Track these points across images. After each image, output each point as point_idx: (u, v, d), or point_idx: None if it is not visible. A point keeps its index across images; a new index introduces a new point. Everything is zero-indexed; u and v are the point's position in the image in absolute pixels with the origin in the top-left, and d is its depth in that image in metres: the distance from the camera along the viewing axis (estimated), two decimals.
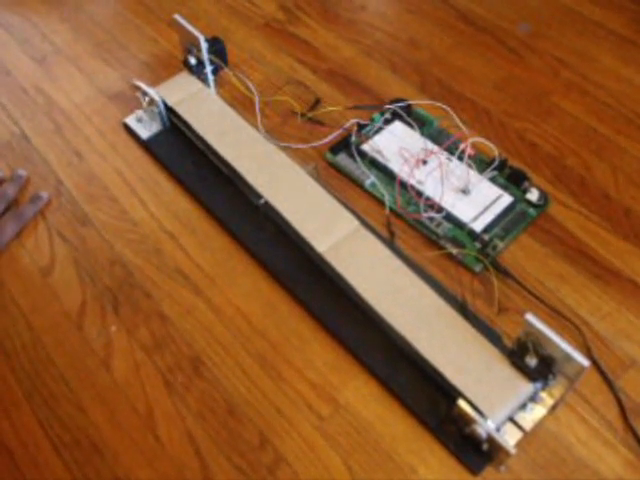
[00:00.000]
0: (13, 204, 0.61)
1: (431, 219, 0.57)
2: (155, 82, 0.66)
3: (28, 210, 0.60)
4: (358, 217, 0.55)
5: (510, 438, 0.44)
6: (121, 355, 0.51)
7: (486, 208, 0.57)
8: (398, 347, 0.48)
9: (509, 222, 0.57)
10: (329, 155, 0.63)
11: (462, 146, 0.60)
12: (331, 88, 0.70)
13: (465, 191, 0.58)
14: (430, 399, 0.47)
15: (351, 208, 0.56)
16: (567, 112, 0.67)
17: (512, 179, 0.59)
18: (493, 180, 0.59)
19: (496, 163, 0.60)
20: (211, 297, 0.54)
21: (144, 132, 0.65)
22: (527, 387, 0.44)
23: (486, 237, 0.55)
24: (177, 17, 0.64)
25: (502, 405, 0.43)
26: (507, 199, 0.58)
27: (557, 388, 0.44)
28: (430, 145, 0.61)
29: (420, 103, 0.67)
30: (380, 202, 0.59)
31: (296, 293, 0.53)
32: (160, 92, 0.64)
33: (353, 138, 0.63)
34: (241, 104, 0.67)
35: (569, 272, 0.54)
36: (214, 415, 0.48)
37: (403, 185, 0.59)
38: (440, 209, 0.57)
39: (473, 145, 0.60)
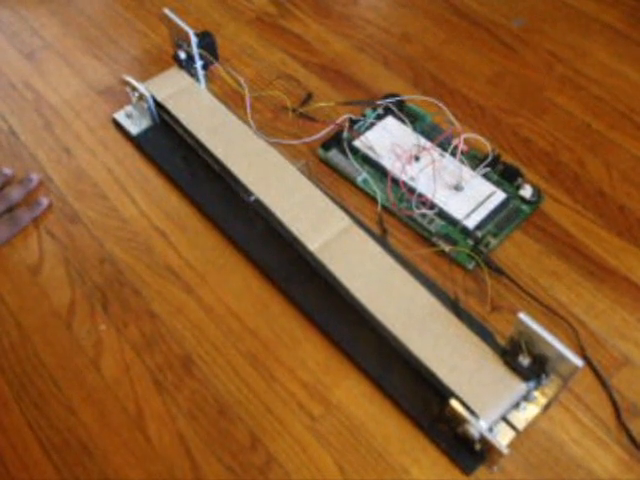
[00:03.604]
0: (15, 207, 0.59)
1: (423, 216, 0.57)
2: (145, 77, 0.65)
3: (24, 215, 0.58)
4: (350, 214, 0.54)
5: (503, 438, 0.44)
6: (111, 354, 0.51)
7: (479, 205, 0.57)
8: (390, 346, 0.48)
9: (502, 219, 0.56)
10: (321, 151, 0.62)
11: (455, 142, 0.59)
12: (323, 83, 0.69)
13: (458, 188, 0.57)
14: (422, 399, 0.46)
15: (343, 205, 0.55)
16: (561, 107, 0.66)
17: (505, 175, 0.59)
18: (486, 176, 0.59)
19: (489, 159, 0.59)
20: (202, 295, 0.54)
21: (134, 128, 0.64)
22: (520, 386, 0.44)
23: (479, 234, 0.55)
24: (167, 11, 0.63)
25: (495, 405, 0.43)
26: (500, 196, 0.57)
27: (550, 387, 0.44)
28: (423, 141, 0.61)
29: (413, 98, 0.66)
30: (372, 199, 0.58)
31: (288, 291, 0.53)
32: (149, 87, 0.63)
33: (345, 134, 0.62)
34: (232, 99, 0.67)
35: (563, 269, 0.54)
36: (205, 415, 0.48)
37: (395, 182, 0.58)
38: (432, 206, 0.57)
39: (466, 141, 0.60)
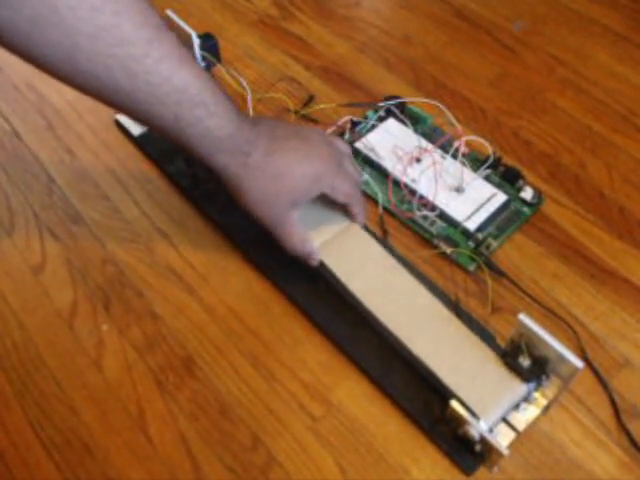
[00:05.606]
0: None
1: (425, 218, 0.57)
2: None
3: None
4: None
5: (503, 439, 0.44)
6: (112, 355, 0.51)
7: (480, 206, 0.57)
8: (391, 347, 0.48)
9: (503, 221, 0.57)
10: None
11: (456, 144, 0.60)
12: (325, 85, 0.70)
13: (459, 189, 0.58)
14: (423, 399, 0.47)
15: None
16: (562, 110, 0.66)
17: (506, 177, 0.59)
18: (487, 178, 0.59)
19: (490, 161, 0.59)
20: (203, 296, 0.54)
21: (136, 129, 0.65)
22: (520, 388, 0.44)
23: (480, 236, 0.55)
24: (169, 13, 0.63)
25: (495, 406, 0.43)
26: (501, 197, 0.57)
27: (551, 388, 0.44)
28: (424, 143, 0.61)
29: (414, 100, 0.66)
30: (373, 200, 0.59)
31: (288, 292, 0.53)
32: None
33: (347, 136, 0.63)
34: (234, 101, 0.67)
35: (563, 271, 0.54)
36: (206, 415, 0.48)
37: (396, 183, 0.58)
38: (434, 208, 0.57)
39: (467, 143, 0.60)
